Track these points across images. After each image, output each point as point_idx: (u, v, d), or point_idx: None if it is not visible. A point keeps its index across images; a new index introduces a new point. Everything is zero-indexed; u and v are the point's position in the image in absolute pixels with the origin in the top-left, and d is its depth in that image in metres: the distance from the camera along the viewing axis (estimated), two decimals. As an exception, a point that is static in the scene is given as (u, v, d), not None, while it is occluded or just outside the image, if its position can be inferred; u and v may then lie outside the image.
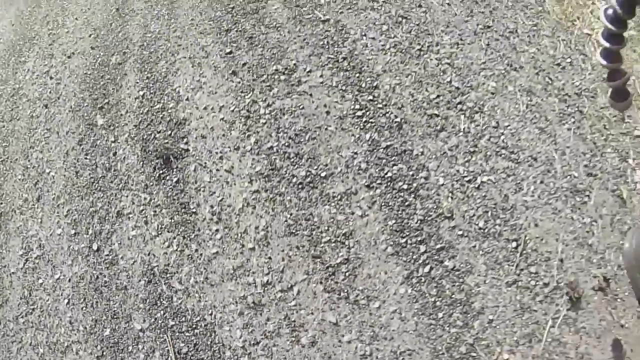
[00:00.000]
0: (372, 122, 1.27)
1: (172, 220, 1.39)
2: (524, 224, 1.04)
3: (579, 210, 1.04)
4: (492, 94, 1.22)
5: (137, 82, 1.67)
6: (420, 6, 1.51)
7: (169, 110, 1.52)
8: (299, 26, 1.51)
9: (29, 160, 1.93)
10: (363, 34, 1.45)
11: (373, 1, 1.55)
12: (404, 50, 1.40)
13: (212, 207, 1.33)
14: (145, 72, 1.68)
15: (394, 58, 1.39)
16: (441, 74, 1.27)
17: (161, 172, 1.47)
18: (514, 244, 1.03)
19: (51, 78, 2.18)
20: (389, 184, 1.19)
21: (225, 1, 1.74)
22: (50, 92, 2.12)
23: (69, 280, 1.49)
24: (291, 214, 1.21)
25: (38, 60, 2.38)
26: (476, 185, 1.14)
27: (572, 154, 1.10)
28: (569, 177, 1.09)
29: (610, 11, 0.46)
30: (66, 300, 1.45)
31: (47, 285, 1.53)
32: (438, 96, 1.25)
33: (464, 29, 1.33)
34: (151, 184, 1.49)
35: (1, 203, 1.87)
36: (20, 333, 1.48)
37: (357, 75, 1.34)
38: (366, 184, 1.20)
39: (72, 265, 1.51)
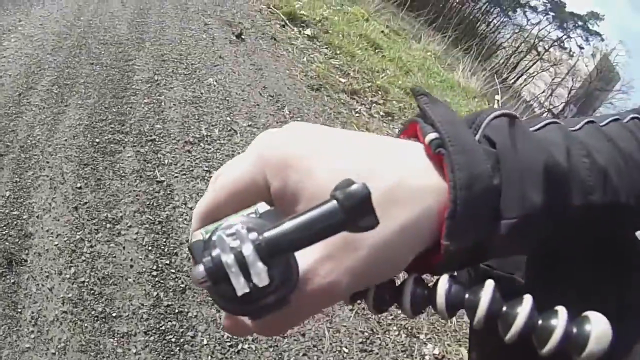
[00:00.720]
0: (162, 283, 1.82)
1: (3, 312, 1.83)
2: None
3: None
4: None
5: (7, 182, 2.08)
6: None
7: (22, 221, 1.97)
8: (137, 181, 2.03)
9: None
10: (184, 202, 2.02)
11: (207, 171, 2.12)
12: None
13: (32, 312, 1.80)
14: (16, 176, 2.09)
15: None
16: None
17: (3, 270, 1.90)
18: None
19: (-54, 133, 2.49)
20: (161, 334, 1.73)
21: (95, 132, 2.21)
22: (-59, 148, 2.43)
23: None
24: (85, 337, 1.73)
25: (-61, 106, 2.65)
26: (236, 350, 1.69)
27: (347, 332, 1.59)
28: (337, 352, 1.60)
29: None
30: None
31: None
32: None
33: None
34: (-6, 273, 1.93)
35: None
36: None
37: (165, 240, 1.89)
38: (144, 330, 1.74)
39: None
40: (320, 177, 0.20)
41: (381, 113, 3.25)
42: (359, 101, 3.30)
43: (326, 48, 4.07)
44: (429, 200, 0.20)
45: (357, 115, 3.16)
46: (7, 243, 1.94)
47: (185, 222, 1.89)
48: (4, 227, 1.99)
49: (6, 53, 2.98)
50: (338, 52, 4.02)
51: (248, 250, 0.16)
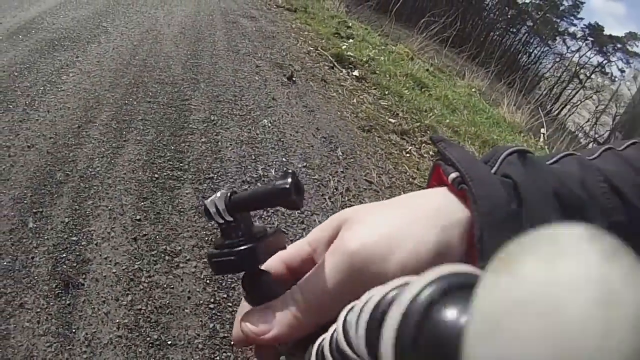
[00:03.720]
0: (218, 315, 1.96)
1: (57, 330, 1.95)
2: None
3: None
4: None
5: (67, 209, 2.27)
6: (302, 222, 2.26)
7: (81, 246, 2.13)
8: (196, 217, 2.21)
9: (-34, 219, 2.39)
10: None
11: (264, 211, 2.28)
12: None
13: (86, 334, 1.93)
14: (76, 204, 2.29)
15: None
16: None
17: (60, 291, 2.05)
18: None
19: (9, 156, 2.72)
20: None
21: (154, 168, 2.42)
22: (3, 169, 2.63)
23: None
24: None
25: (6, 131, 2.90)
26: None
27: None
28: None
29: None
30: None
31: None
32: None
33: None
34: (50, 296, 2.06)
35: None
36: None
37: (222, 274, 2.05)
38: (199, 358, 1.85)
39: None
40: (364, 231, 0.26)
41: (430, 153, 3.43)
42: (409, 141, 3.50)
43: (374, 89, 4.33)
44: (457, 230, 0.24)
45: (408, 155, 3.36)
46: (64, 266, 2.10)
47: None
48: (62, 251, 2.15)
49: (65, 87, 3.28)
50: (386, 92, 4.26)
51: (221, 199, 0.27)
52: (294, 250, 0.30)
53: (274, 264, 0.30)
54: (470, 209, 0.24)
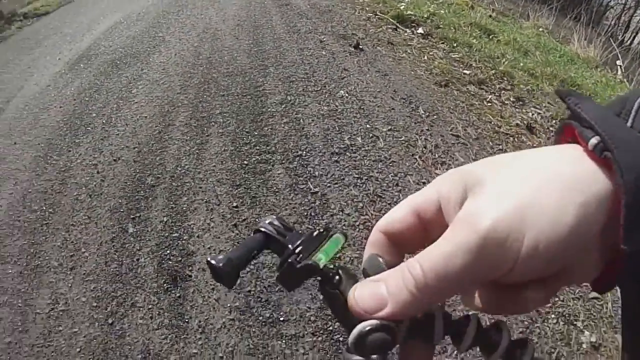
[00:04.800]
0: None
1: (170, 322, 2.67)
2: None
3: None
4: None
5: (164, 209, 3.07)
6: (397, 185, 2.76)
7: (183, 241, 2.88)
8: (292, 194, 2.83)
9: (69, 234, 3.34)
10: (341, 209, 2.73)
11: (358, 178, 2.84)
12: (370, 228, 2.66)
13: (199, 321, 2.60)
14: (171, 202, 3.08)
15: (360, 234, 2.64)
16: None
17: (168, 286, 2.79)
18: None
19: (98, 172, 3.70)
20: (329, 334, 2.38)
21: (242, 155, 3.15)
22: (95, 185, 3.61)
23: (84, 336, 2.75)
24: (253, 342, 2.44)
25: (89, 150, 3.95)
26: None
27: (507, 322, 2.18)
28: None
29: None
30: (78, 349, 2.71)
31: (64, 333, 2.80)
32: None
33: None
34: (160, 292, 2.81)
35: (40, 257, 3.26)
36: (32, 358, 2.74)
37: (322, 247, 2.64)
38: (312, 331, 2.40)
39: (89, 327, 2.79)
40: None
41: (511, 99, 4.05)
42: (488, 90, 4.17)
43: (442, 43, 5.18)
44: (597, 206, 0.28)
45: (489, 104, 3.95)
46: (170, 262, 2.84)
47: (344, 227, 2.57)
48: (166, 248, 2.92)
49: (137, 99, 4.31)
50: (455, 44, 5.12)
51: None
52: (423, 200, 0.35)
53: (401, 211, 0.36)
54: (613, 181, 0.28)
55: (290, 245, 0.38)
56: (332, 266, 0.38)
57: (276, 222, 0.40)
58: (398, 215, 0.36)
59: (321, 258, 0.37)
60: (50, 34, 8.22)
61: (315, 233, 0.39)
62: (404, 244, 0.37)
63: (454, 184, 0.32)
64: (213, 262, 0.37)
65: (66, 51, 6.76)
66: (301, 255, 0.37)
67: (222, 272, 0.36)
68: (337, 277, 0.36)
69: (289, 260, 0.37)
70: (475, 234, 0.28)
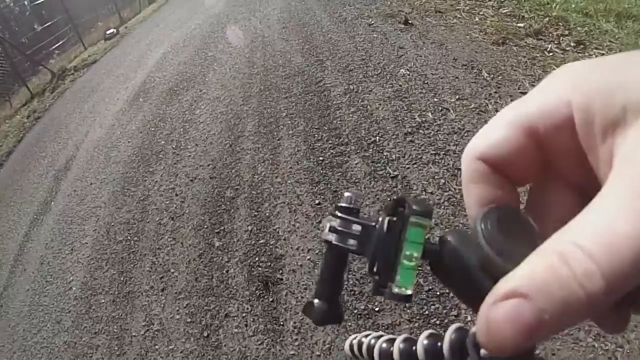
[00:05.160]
0: (419, 269, 2.67)
1: (265, 327, 2.93)
2: (541, 354, 2.28)
3: (602, 338, 2.08)
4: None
5: (247, 218, 3.38)
6: None
7: (270, 246, 3.16)
8: (372, 182, 3.04)
9: (156, 258, 3.74)
10: (424, 188, 2.90)
11: (435, 155, 3.01)
12: (455, 204, 2.80)
13: (294, 322, 2.84)
14: (253, 211, 3.39)
15: (446, 211, 2.80)
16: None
17: (261, 292, 3.07)
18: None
19: (176, 195, 4.12)
20: (425, 319, 2.54)
21: (316, 152, 3.41)
22: (175, 207, 4.03)
23: (181, 352, 3.06)
24: (350, 335, 2.65)
25: (164, 176, 4.40)
26: None
27: None
28: None
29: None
30: None
31: (161, 351, 3.14)
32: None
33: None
34: (253, 299, 3.10)
35: (131, 283, 3.68)
36: None
37: (411, 229, 2.82)
38: (408, 318, 2.56)
39: (185, 343, 3.11)
40: None
41: (571, 44, 4.14)
42: (546, 40, 4.31)
43: (489, 0, 5.36)
44: None
45: (551, 54, 4.03)
46: (260, 268, 3.12)
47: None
48: (254, 256, 3.21)
49: (202, 119, 4.76)
50: None
51: None
52: (538, 111, 0.27)
53: (505, 129, 0.28)
54: None
55: (367, 262, 0.35)
56: (433, 241, 0.35)
57: (337, 223, 0.37)
58: (501, 134, 0.29)
59: (404, 283, 0.33)
60: (104, 79, 9.16)
61: (385, 225, 0.34)
62: (511, 174, 0.30)
63: (603, 97, 0.24)
64: (317, 309, 0.39)
65: (122, 90, 7.52)
66: (381, 276, 0.33)
67: (333, 315, 0.39)
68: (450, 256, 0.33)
69: (377, 289, 0.34)
70: None
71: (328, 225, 0.37)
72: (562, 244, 0.22)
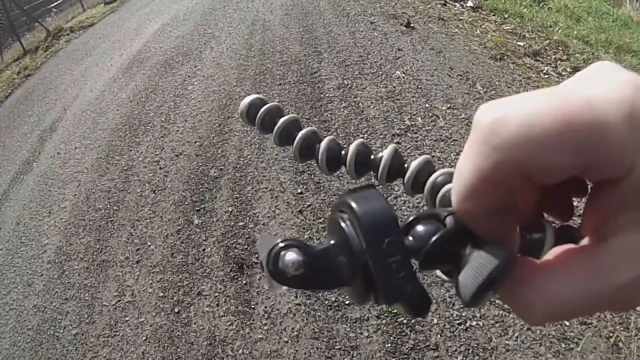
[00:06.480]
0: None
1: (236, 309, 2.90)
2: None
3: (562, 355, 2.14)
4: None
5: (228, 199, 3.33)
6: None
7: (248, 229, 3.12)
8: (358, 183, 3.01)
9: (134, 230, 3.68)
10: (404, 191, 2.89)
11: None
12: None
13: (265, 307, 2.82)
14: (235, 192, 3.34)
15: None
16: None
17: (235, 274, 3.03)
18: (478, 381, 2.23)
19: (160, 168, 4.04)
20: (393, 317, 2.53)
21: (304, 143, 3.38)
22: (158, 181, 3.95)
23: (150, 325, 3.00)
24: (318, 325, 2.63)
25: (150, 148, 4.31)
26: (465, 327, 2.38)
27: None
28: (559, 325, 2.21)
29: None
30: (144, 338, 2.98)
31: (131, 323, 3.08)
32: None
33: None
34: (226, 279, 3.06)
35: (106, 252, 3.61)
36: (98, 348, 3.06)
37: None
38: (376, 314, 2.56)
39: (155, 317, 3.05)
40: None
41: (568, 69, 4.18)
42: (544, 61, 4.33)
43: (493, 15, 5.41)
44: None
45: (546, 76, 4.06)
46: (236, 250, 3.09)
47: (408, 210, 2.71)
48: (232, 237, 3.17)
49: (194, 95, 4.67)
50: (506, 15, 5.35)
51: None
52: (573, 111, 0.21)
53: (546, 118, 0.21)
54: None
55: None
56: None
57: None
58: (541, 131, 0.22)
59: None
60: (99, 43, 8.94)
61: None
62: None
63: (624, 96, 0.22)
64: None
65: (117, 57, 7.35)
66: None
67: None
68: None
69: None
70: None
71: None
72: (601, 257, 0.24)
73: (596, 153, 0.22)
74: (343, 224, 0.28)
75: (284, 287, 0.27)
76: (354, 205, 0.27)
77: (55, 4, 15.16)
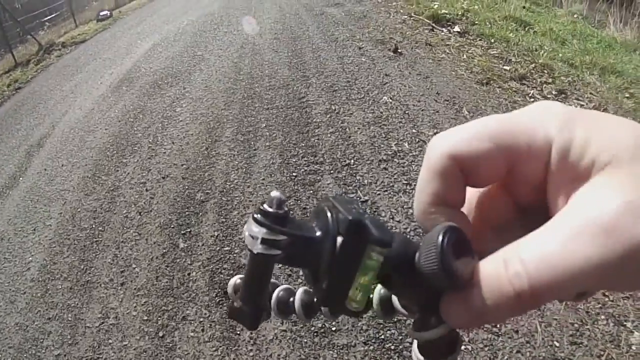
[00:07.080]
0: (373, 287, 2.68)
1: (221, 335, 2.86)
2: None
3: None
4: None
5: (214, 223, 3.32)
6: None
7: (234, 254, 3.10)
8: None
9: (119, 251, 3.63)
10: (392, 216, 2.89)
11: (407, 184, 3.01)
12: (421, 234, 2.80)
13: (251, 333, 2.79)
14: (222, 217, 3.32)
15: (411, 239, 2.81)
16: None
17: (220, 299, 3.00)
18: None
19: (147, 190, 4.01)
20: (381, 343, 2.52)
21: (291, 167, 3.37)
22: (144, 203, 3.92)
23: (134, 349, 2.95)
24: (304, 352, 2.61)
25: (137, 169, 4.28)
26: None
27: (557, 325, 2.25)
28: (549, 347, 2.23)
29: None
30: None
31: (114, 346, 3.02)
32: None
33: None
34: (212, 305, 3.03)
35: (90, 273, 3.55)
36: None
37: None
38: (363, 341, 2.55)
39: (139, 340, 3.01)
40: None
41: (553, 92, 4.26)
42: (529, 85, 4.41)
43: (480, 40, 5.50)
44: None
45: (532, 100, 4.13)
46: (222, 275, 3.06)
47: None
48: (217, 262, 3.15)
49: (182, 117, 4.67)
50: (492, 40, 5.45)
51: None
52: (510, 135, 0.30)
53: (478, 137, 0.30)
54: None
55: (307, 274, 0.34)
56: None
57: (265, 232, 0.31)
58: (481, 144, 0.30)
59: (357, 303, 0.33)
60: (90, 60, 8.91)
61: (339, 247, 0.31)
62: (474, 177, 0.31)
63: (581, 149, 0.27)
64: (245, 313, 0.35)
65: (107, 75, 7.33)
66: (331, 291, 0.32)
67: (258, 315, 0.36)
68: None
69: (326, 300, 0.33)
70: (628, 244, 0.23)
71: (252, 231, 0.31)
72: (508, 253, 0.27)
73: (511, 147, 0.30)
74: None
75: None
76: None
77: (49, 17, 15.13)
